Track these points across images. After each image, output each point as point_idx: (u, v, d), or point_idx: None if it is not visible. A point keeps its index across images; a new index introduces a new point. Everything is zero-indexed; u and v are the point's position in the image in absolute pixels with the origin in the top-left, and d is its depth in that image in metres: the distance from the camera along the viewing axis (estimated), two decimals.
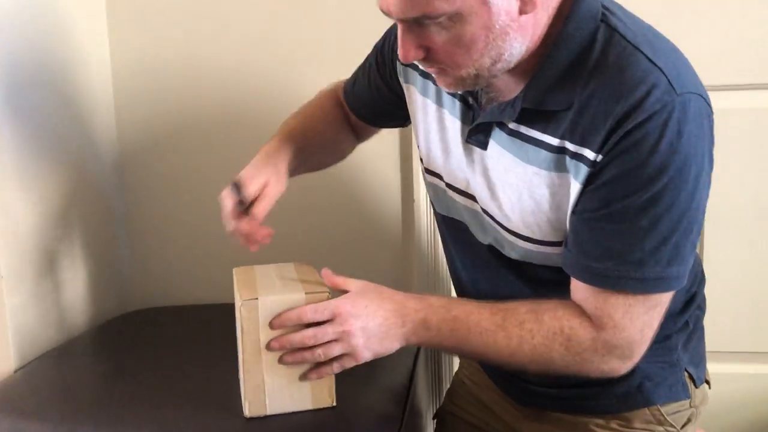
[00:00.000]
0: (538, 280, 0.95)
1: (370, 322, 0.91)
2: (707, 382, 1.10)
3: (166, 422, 0.98)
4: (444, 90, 0.95)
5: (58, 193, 1.32)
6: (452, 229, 1.05)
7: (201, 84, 1.50)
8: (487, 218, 0.97)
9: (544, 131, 0.87)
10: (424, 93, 1.02)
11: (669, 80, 0.81)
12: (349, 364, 0.93)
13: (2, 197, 1.15)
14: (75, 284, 1.36)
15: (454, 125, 0.98)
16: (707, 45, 1.37)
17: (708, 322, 1.44)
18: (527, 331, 0.89)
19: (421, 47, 0.84)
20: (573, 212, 0.87)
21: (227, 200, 0.99)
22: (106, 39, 1.49)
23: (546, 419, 1.06)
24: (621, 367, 0.91)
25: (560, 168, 0.87)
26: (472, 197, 0.98)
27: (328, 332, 0.91)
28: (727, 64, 1.39)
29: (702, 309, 1.08)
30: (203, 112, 1.51)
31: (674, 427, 1.02)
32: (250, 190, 0.99)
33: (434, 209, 1.09)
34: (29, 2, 1.24)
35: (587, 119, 0.83)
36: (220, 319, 1.35)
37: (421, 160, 1.06)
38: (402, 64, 1.05)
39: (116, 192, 1.53)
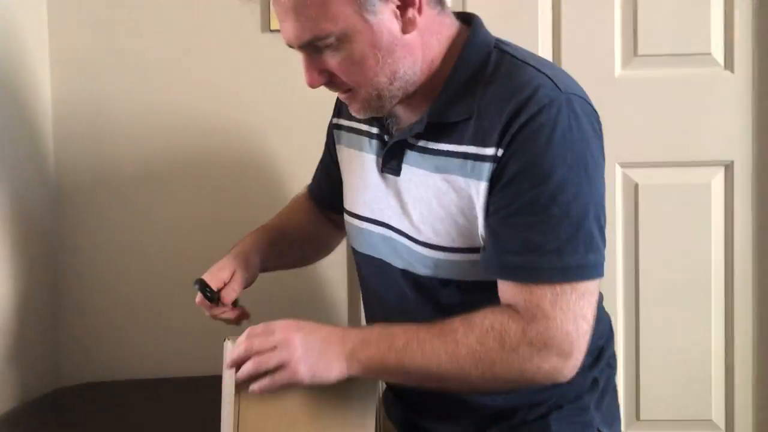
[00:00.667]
0: (451, 306, 0.95)
1: (311, 336, 0.90)
2: None
3: None
4: (357, 115, 1.00)
5: None
6: (369, 264, 1.07)
7: (145, 154, 1.49)
8: (400, 238, 1.00)
9: (450, 142, 0.94)
10: (349, 145, 1.10)
11: (554, 83, 0.91)
12: (282, 378, 0.88)
13: None
14: (7, 362, 1.30)
15: (372, 162, 1.04)
16: (640, 126, 1.46)
17: (644, 390, 1.51)
18: (461, 334, 0.89)
19: (322, 72, 0.93)
20: (486, 215, 0.91)
21: (198, 295, 1.04)
22: (47, 77, 1.47)
23: None
24: (563, 366, 0.90)
25: (466, 173, 0.92)
26: (387, 225, 1.02)
27: (268, 340, 0.89)
28: (657, 143, 1.48)
29: (613, 367, 1.11)
30: (152, 171, 1.50)
31: None
32: (213, 285, 1.03)
33: (354, 252, 1.12)
34: None
35: (486, 122, 0.91)
36: (154, 395, 1.33)
37: (345, 210, 1.11)
38: (335, 128, 1.14)
39: (49, 262, 1.48)
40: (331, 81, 0.94)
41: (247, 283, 1.09)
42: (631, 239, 1.50)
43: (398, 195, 1.00)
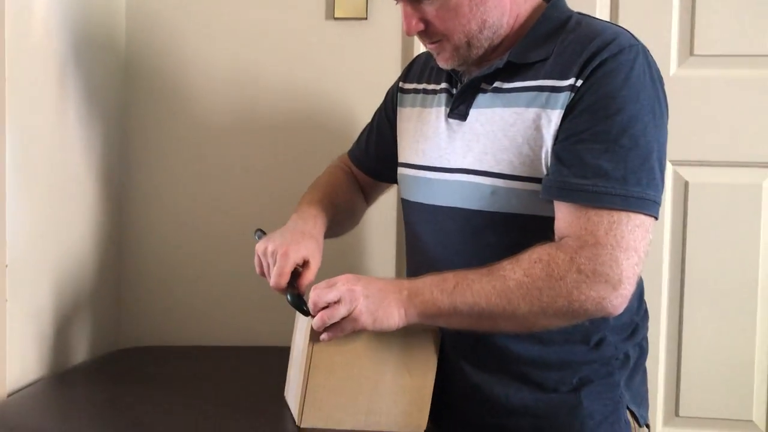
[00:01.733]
0: (501, 250, 0.98)
1: (371, 287, 0.97)
2: (647, 427, 1.14)
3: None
4: (442, 66, 1.08)
5: (66, 233, 1.36)
6: (420, 212, 1.12)
7: (218, 121, 1.56)
8: (460, 176, 1.05)
9: (524, 80, 1.01)
10: (413, 105, 1.18)
11: (632, 36, 1.01)
12: (347, 327, 0.95)
13: (17, 237, 1.19)
14: (72, 319, 1.38)
15: (436, 114, 1.11)
16: (693, 123, 1.48)
17: (684, 386, 1.52)
18: (509, 270, 0.94)
19: (420, 21, 1.03)
20: (556, 142, 0.96)
21: (283, 273, 1.03)
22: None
23: None
24: (611, 296, 0.92)
25: (539, 104, 0.98)
26: (445, 168, 1.07)
27: (332, 294, 0.95)
28: (709, 142, 1.49)
29: (644, 350, 1.13)
30: (214, 161, 1.57)
31: None
32: (292, 260, 1.04)
33: (405, 205, 1.16)
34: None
35: (565, 58, 0.98)
36: (206, 360, 1.40)
37: (400, 164, 1.16)
38: (400, 91, 1.22)
39: (119, 235, 1.57)
40: (425, 30, 1.04)
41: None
42: (679, 237, 1.51)
43: (462, 137, 1.05)
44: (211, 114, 1.56)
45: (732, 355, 1.50)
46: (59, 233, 1.34)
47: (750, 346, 1.50)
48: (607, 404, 1.05)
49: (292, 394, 1.07)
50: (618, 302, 0.93)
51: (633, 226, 0.93)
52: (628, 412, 1.07)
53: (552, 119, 0.97)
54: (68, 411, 1.14)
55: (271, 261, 1.06)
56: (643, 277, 1.14)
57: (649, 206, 0.94)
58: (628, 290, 0.93)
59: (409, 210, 1.16)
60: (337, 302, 0.95)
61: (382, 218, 1.52)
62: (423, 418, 1.06)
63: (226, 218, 1.56)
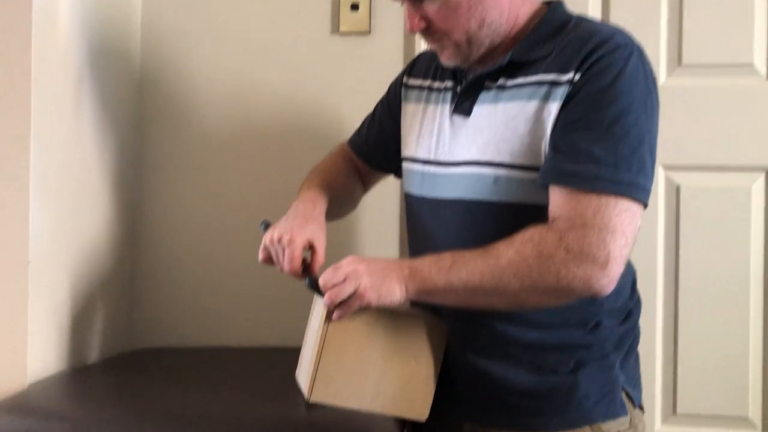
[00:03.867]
0: (500, 238, 1.03)
1: (374, 266, 1.03)
2: (641, 409, 1.18)
3: (178, 415, 1.05)
4: (445, 64, 1.13)
5: (83, 234, 1.42)
6: (422, 205, 1.17)
7: (229, 130, 1.63)
8: (462, 168, 1.10)
9: (526, 75, 1.07)
10: (417, 101, 1.23)
11: (629, 35, 1.07)
12: (354, 303, 1.01)
13: (39, 235, 1.25)
14: (88, 317, 1.44)
15: (440, 111, 1.17)
16: (685, 128, 1.54)
17: (681, 384, 1.56)
18: (502, 249, 1.00)
19: (421, 19, 1.09)
20: (553, 131, 1.02)
21: (295, 257, 1.08)
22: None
23: None
24: (599, 276, 0.97)
25: (540, 96, 1.04)
26: (448, 162, 1.12)
27: (339, 273, 1.01)
28: (700, 147, 1.55)
29: (637, 335, 1.19)
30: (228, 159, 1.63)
31: None
32: (299, 244, 1.09)
33: (408, 199, 1.22)
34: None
35: (566, 55, 1.06)
36: (219, 359, 1.44)
37: (404, 159, 1.22)
38: (404, 87, 1.27)
39: (131, 239, 1.63)
40: (427, 29, 1.10)
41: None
42: (672, 239, 1.56)
43: (466, 132, 1.11)
44: (221, 122, 1.63)
45: (727, 354, 1.55)
46: (76, 234, 1.40)
47: (744, 345, 1.54)
48: (603, 385, 1.10)
49: (303, 372, 1.12)
50: (605, 282, 0.98)
51: (620, 210, 0.98)
52: (623, 393, 1.12)
53: (552, 111, 1.03)
54: (85, 398, 1.19)
55: (279, 248, 1.10)
56: (637, 278, 1.21)
57: (638, 192, 0.99)
58: (615, 271, 0.98)
59: (412, 204, 1.21)
60: (344, 281, 1.01)
61: (384, 214, 1.58)
62: (426, 406, 1.10)
63: (237, 221, 1.62)
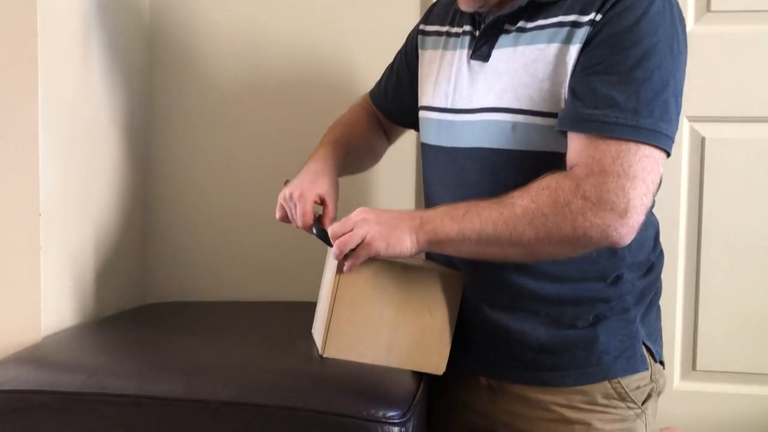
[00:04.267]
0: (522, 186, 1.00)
1: (383, 216, 1.02)
2: (662, 364, 1.16)
3: (191, 369, 1.04)
4: (463, 8, 1.09)
5: (94, 186, 1.41)
6: (438, 154, 1.14)
7: (240, 80, 1.59)
8: (479, 116, 1.07)
9: (546, 17, 1.02)
10: (435, 47, 1.19)
11: None
12: (362, 252, 1.00)
13: (50, 187, 1.23)
14: (101, 271, 1.43)
15: (458, 56, 1.13)
16: (711, 78, 1.48)
17: (701, 341, 1.53)
18: (517, 197, 0.97)
19: None
20: (573, 75, 0.98)
21: (306, 212, 1.10)
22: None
23: (512, 400, 1.11)
24: (618, 224, 0.93)
25: (561, 39, 1.00)
26: (466, 110, 1.09)
27: (348, 223, 1.01)
28: (726, 98, 1.50)
29: (659, 288, 1.16)
30: (237, 112, 1.60)
31: (635, 404, 1.08)
32: (310, 199, 1.11)
33: (424, 149, 1.19)
34: None
35: None
36: (232, 313, 1.44)
37: (421, 107, 1.18)
38: (421, 33, 1.23)
39: (144, 192, 1.61)
40: None
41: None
42: (696, 193, 1.52)
43: (484, 77, 1.07)
44: (232, 72, 1.59)
45: (749, 309, 1.52)
46: (88, 187, 1.38)
47: (766, 300, 1.51)
48: (623, 340, 1.08)
49: (318, 327, 1.11)
50: (624, 231, 0.94)
51: (641, 156, 0.94)
52: (643, 347, 1.10)
53: (572, 54, 0.99)
54: (100, 351, 1.19)
55: (291, 205, 1.12)
56: (660, 232, 1.17)
57: (661, 139, 0.95)
58: (634, 220, 0.94)
59: (428, 154, 1.18)
60: (352, 230, 0.99)
61: (400, 166, 1.54)
62: (443, 359, 1.09)
63: (250, 173, 1.60)
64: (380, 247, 0.99)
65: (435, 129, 1.15)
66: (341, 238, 1.00)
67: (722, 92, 1.50)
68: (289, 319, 1.34)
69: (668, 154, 0.98)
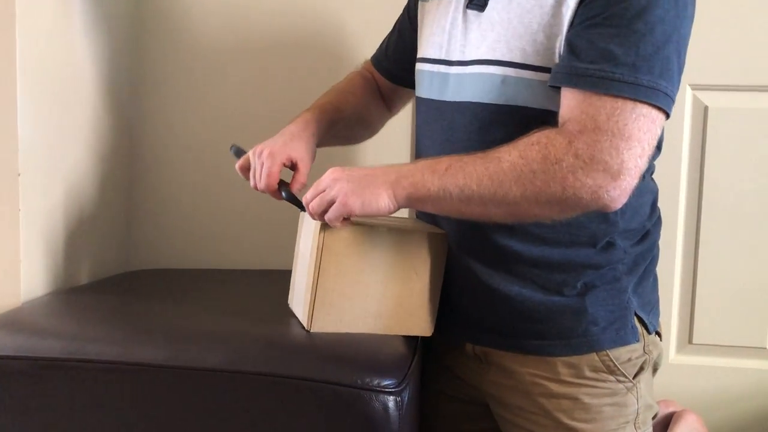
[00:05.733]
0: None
1: (356, 173, 0.96)
2: (659, 335, 1.11)
3: (177, 336, 1.00)
4: None
5: (75, 149, 1.35)
6: (429, 109, 1.09)
7: (229, 38, 1.53)
8: (472, 68, 1.01)
9: None
10: None
11: None
12: (336, 211, 0.95)
13: (28, 145, 1.18)
14: (83, 235, 1.38)
15: (456, 5, 1.06)
16: (715, 46, 1.44)
17: (698, 314, 1.51)
18: (505, 152, 0.91)
19: None
20: (570, 28, 0.92)
21: (271, 173, 1.05)
22: None
23: (499, 372, 1.07)
24: (609, 186, 0.87)
25: None
26: (459, 62, 1.04)
27: (320, 185, 0.96)
28: (730, 66, 1.46)
29: (655, 256, 1.11)
30: (221, 76, 1.55)
31: (626, 378, 1.04)
32: (279, 160, 1.05)
33: (418, 103, 1.14)
34: None
35: None
36: (215, 281, 1.39)
37: (417, 60, 1.13)
38: None
39: (127, 156, 1.55)
40: None
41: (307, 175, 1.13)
42: (697, 163, 1.49)
43: (479, 27, 1.02)
44: (220, 35, 1.53)
45: (748, 282, 1.49)
46: (70, 148, 1.32)
47: (766, 273, 1.49)
48: (613, 310, 1.03)
49: (298, 301, 1.06)
50: (616, 194, 0.88)
51: (638, 115, 0.88)
52: (635, 318, 1.05)
53: (570, 5, 0.93)
54: (81, 317, 1.14)
55: (258, 163, 1.06)
56: (659, 202, 1.14)
57: (659, 98, 0.89)
58: (627, 183, 0.88)
59: (420, 108, 1.13)
60: (324, 191, 0.95)
61: (395, 128, 1.49)
62: (430, 321, 1.05)
63: (237, 140, 1.53)
64: (355, 204, 0.94)
65: (427, 81, 1.10)
66: (314, 201, 0.96)
67: (726, 60, 1.46)
68: (279, 287, 1.28)
69: (667, 115, 0.92)
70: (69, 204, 1.32)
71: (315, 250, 0.99)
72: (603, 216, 0.99)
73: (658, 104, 0.89)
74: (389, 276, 1.02)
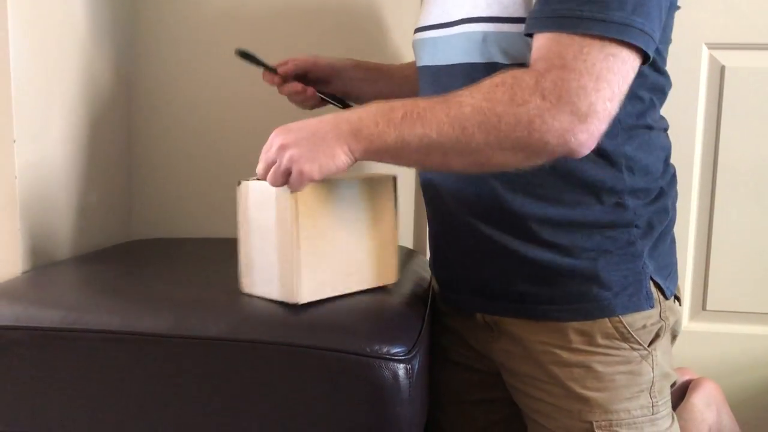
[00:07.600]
0: None
1: (302, 132, 0.88)
2: (677, 299, 1.07)
3: (179, 305, 0.97)
4: None
5: (76, 121, 1.31)
6: (424, 76, 1.07)
7: (220, 19, 1.49)
8: (458, 28, 0.98)
9: None
10: None
11: None
12: (295, 181, 0.88)
13: (24, 109, 1.15)
14: (83, 204, 1.35)
15: None
16: (731, 4, 1.40)
17: (712, 280, 1.48)
18: (467, 96, 0.85)
19: None
20: None
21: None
22: None
23: (509, 340, 1.05)
24: (577, 129, 0.82)
25: None
26: (446, 23, 1.01)
27: (269, 154, 0.89)
28: (748, 24, 1.41)
29: (672, 217, 1.06)
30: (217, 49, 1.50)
31: (641, 345, 1.00)
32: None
33: (418, 74, 1.10)
34: None
35: None
36: (221, 248, 1.36)
37: (415, 31, 1.11)
38: None
39: (125, 125, 1.52)
40: None
41: (311, 65, 1.22)
42: (713, 124, 1.44)
43: None
44: None
45: (763, 247, 1.46)
46: (68, 112, 1.29)
47: None
48: (626, 275, 0.99)
49: (267, 279, 0.98)
50: (583, 138, 0.82)
51: (606, 54, 0.82)
52: (651, 283, 1.00)
53: None
54: (81, 286, 1.11)
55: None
56: (674, 163, 1.09)
57: (633, 35, 0.83)
58: (595, 127, 0.82)
59: (419, 78, 1.09)
60: (276, 163, 0.88)
61: None
62: (395, 268, 1.03)
63: (238, 107, 1.50)
64: (313, 170, 0.87)
65: (421, 49, 1.06)
66: (268, 176, 0.89)
67: (743, 17, 1.41)
68: None
69: (646, 56, 0.86)
70: (69, 172, 1.29)
71: (289, 216, 0.93)
72: (607, 171, 0.95)
73: (631, 41, 0.83)
74: (353, 230, 0.98)
